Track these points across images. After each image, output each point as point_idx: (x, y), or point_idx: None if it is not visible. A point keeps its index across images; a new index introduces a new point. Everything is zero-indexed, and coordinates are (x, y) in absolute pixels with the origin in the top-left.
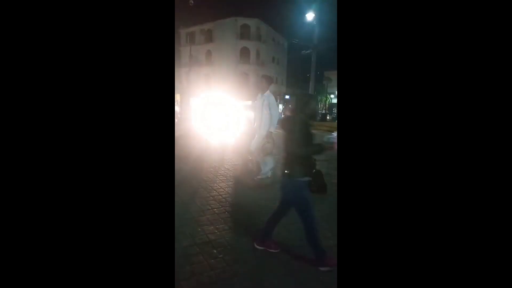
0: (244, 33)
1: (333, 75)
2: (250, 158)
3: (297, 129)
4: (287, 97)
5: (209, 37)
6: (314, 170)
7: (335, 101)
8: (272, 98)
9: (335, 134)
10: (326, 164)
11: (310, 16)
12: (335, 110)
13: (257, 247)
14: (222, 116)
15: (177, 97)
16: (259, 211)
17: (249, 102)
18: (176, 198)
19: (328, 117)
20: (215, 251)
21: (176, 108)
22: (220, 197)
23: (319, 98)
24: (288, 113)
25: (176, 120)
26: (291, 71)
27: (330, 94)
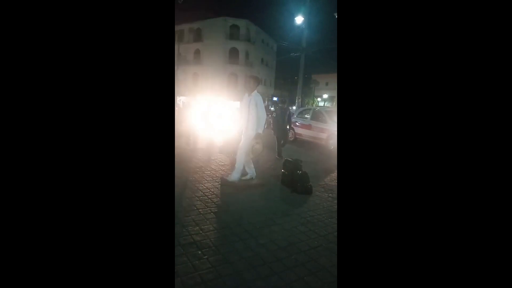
0: (233, 34)
1: (320, 78)
2: (235, 158)
3: None
4: (275, 98)
5: (198, 36)
6: (299, 172)
7: (321, 104)
8: (260, 98)
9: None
10: (313, 166)
11: (299, 19)
12: None
13: None
14: (209, 115)
15: None
16: (244, 212)
17: (238, 104)
18: None
19: None
20: (199, 252)
21: None
22: (206, 197)
23: (306, 101)
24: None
25: None
26: (279, 73)
27: (317, 97)
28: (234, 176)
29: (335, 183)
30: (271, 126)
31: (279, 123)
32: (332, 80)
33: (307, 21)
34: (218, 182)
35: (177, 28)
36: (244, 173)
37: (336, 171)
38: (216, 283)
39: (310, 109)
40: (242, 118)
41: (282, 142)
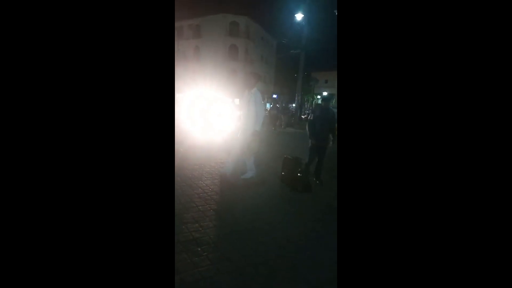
0: (233, 30)
1: (320, 76)
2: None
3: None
4: (274, 96)
5: (197, 33)
6: (299, 170)
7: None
8: (259, 95)
9: None
10: (313, 164)
11: (299, 16)
12: None
13: None
14: (209, 113)
15: None
16: (244, 209)
17: (237, 100)
18: None
19: None
20: (199, 249)
21: None
22: (205, 194)
23: (305, 98)
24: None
25: None
26: (279, 71)
27: (316, 94)
28: (228, 169)
29: (335, 181)
30: (308, 132)
31: (317, 130)
32: (332, 77)
33: (307, 18)
34: (217, 180)
35: (176, 24)
36: (243, 170)
37: (336, 170)
38: (216, 280)
39: None
40: (241, 115)
41: (320, 158)
